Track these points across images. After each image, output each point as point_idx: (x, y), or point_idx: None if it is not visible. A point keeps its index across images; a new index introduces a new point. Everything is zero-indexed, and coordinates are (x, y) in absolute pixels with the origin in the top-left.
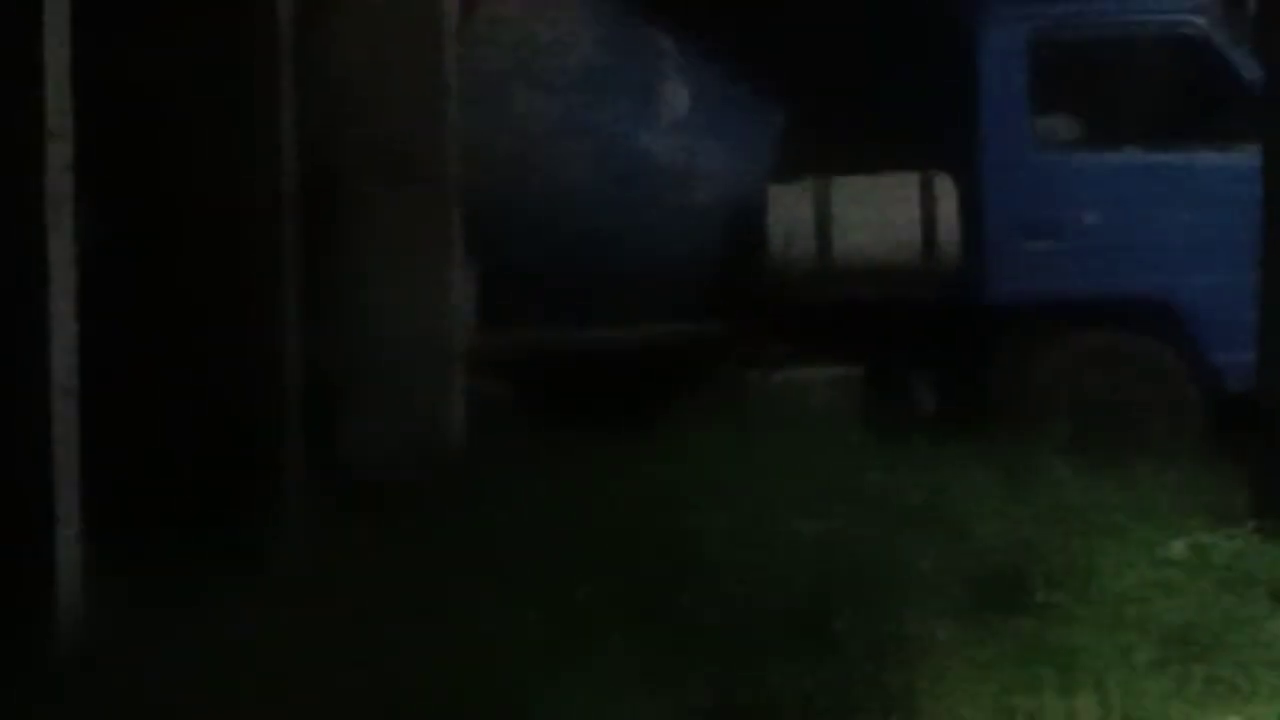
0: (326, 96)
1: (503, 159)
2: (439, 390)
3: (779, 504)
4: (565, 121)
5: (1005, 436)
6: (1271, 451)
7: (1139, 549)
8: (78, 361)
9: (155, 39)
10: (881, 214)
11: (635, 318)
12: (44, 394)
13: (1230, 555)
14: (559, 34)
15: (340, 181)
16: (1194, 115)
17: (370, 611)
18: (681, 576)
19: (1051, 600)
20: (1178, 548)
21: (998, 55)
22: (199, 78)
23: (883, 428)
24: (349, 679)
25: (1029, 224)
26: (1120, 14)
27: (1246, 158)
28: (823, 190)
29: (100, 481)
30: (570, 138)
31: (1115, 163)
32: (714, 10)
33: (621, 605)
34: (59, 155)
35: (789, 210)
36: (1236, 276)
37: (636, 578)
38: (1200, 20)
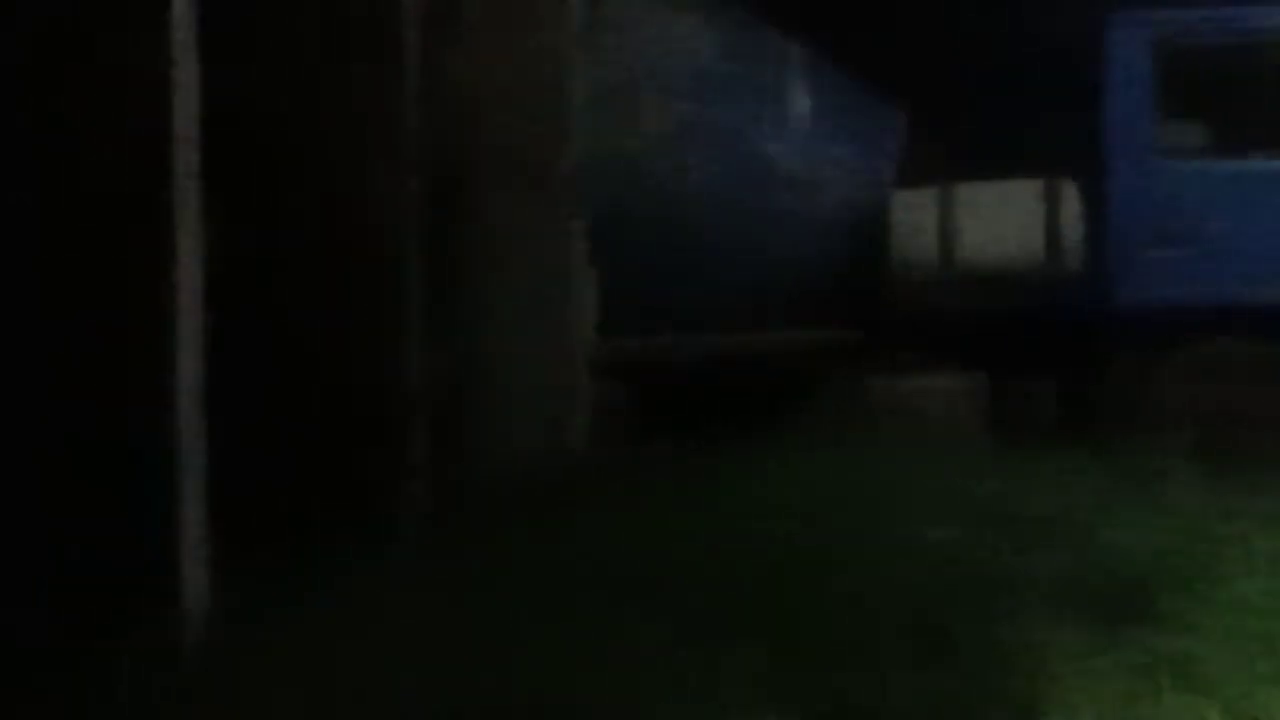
0: (451, 103)
1: (626, 165)
2: (562, 397)
3: (901, 512)
4: (689, 127)
5: (1128, 444)
6: None
7: (1263, 558)
8: (203, 365)
9: (280, 46)
10: (1006, 221)
11: (758, 325)
12: (170, 396)
13: None
14: (683, 39)
15: (464, 188)
16: None
17: (495, 616)
18: (803, 584)
19: (1174, 609)
20: None
21: (1125, 61)
22: (325, 86)
23: (1006, 435)
24: (472, 683)
25: (1154, 231)
26: (1247, 19)
27: None
28: (947, 197)
29: (227, 486)
30: (695, 144)
31: (1241, 169)
32: (839, 15)
33: (743, 613)
34: (186, 161)
35: (913, 217)
36: None
37: (758, 585)
38: None
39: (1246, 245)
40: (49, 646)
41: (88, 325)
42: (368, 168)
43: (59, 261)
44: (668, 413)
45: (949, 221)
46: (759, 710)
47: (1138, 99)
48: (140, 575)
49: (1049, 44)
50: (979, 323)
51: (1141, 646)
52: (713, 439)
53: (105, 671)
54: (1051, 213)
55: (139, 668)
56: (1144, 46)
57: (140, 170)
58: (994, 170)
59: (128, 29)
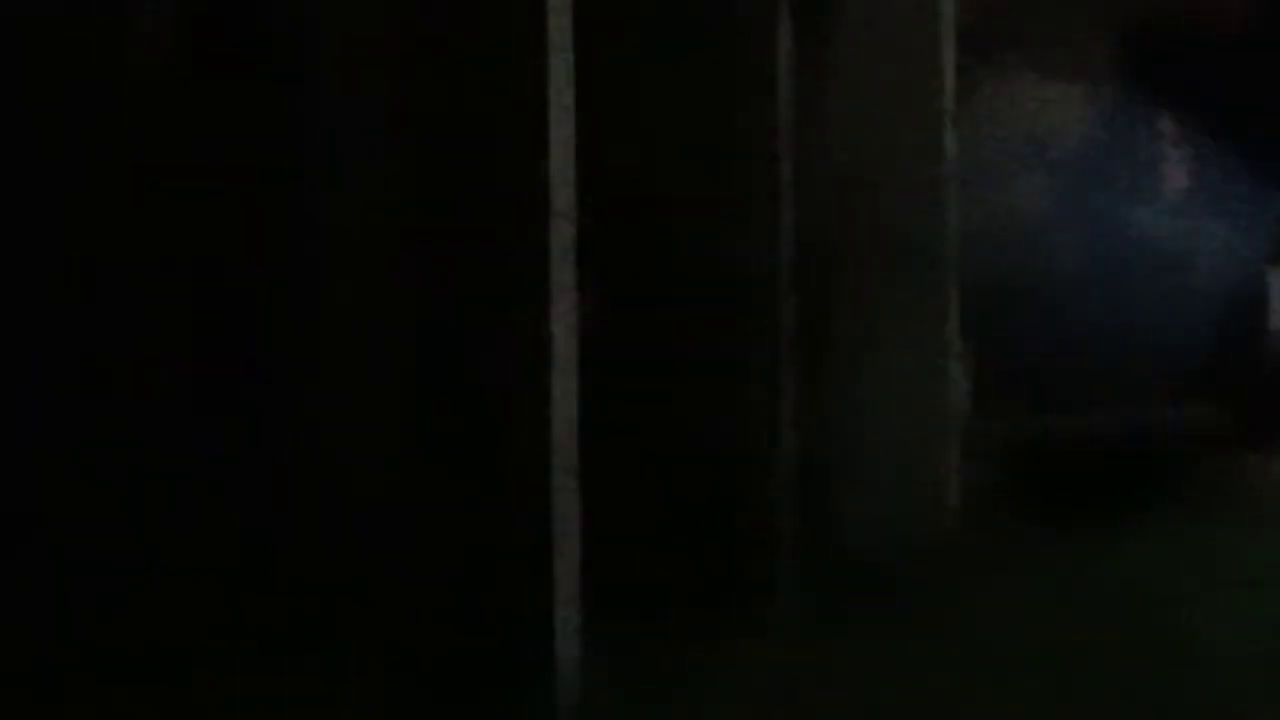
0: (825, 176)
1: (1001, 240)
2: (933, 475)
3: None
4: (1063, 202)
5: None
6: None
7: None
8: (577, 434)
9: (649, 113)
10: None
11: (1134, 402)
12: (545, 473)
13: None
14: (1060, 111)
15: (836, 257)
16: None
17: (865, 703)
18: (1175, 678)
19: None
20: None
21: None
22: (697, 157)
23: None
24: None
25: None
26: None
27: None
28: None
29: (594, 562)
30: (1069, 218)
31: None
32: (1215, 87)
33: (1117, 706)
34: (562, 236)
35: None
36: None
37: (1133, 677)
38: None
39: None
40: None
41: (469, 400)
42: (739, 243)
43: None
44: (1043, 495)
45: None
46: None
47: None
48: (513, 648)
49: None
50: None
51: None
52: (1086, 521)
53: None
54: None
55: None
56: None
57: (515, 244)
58: None
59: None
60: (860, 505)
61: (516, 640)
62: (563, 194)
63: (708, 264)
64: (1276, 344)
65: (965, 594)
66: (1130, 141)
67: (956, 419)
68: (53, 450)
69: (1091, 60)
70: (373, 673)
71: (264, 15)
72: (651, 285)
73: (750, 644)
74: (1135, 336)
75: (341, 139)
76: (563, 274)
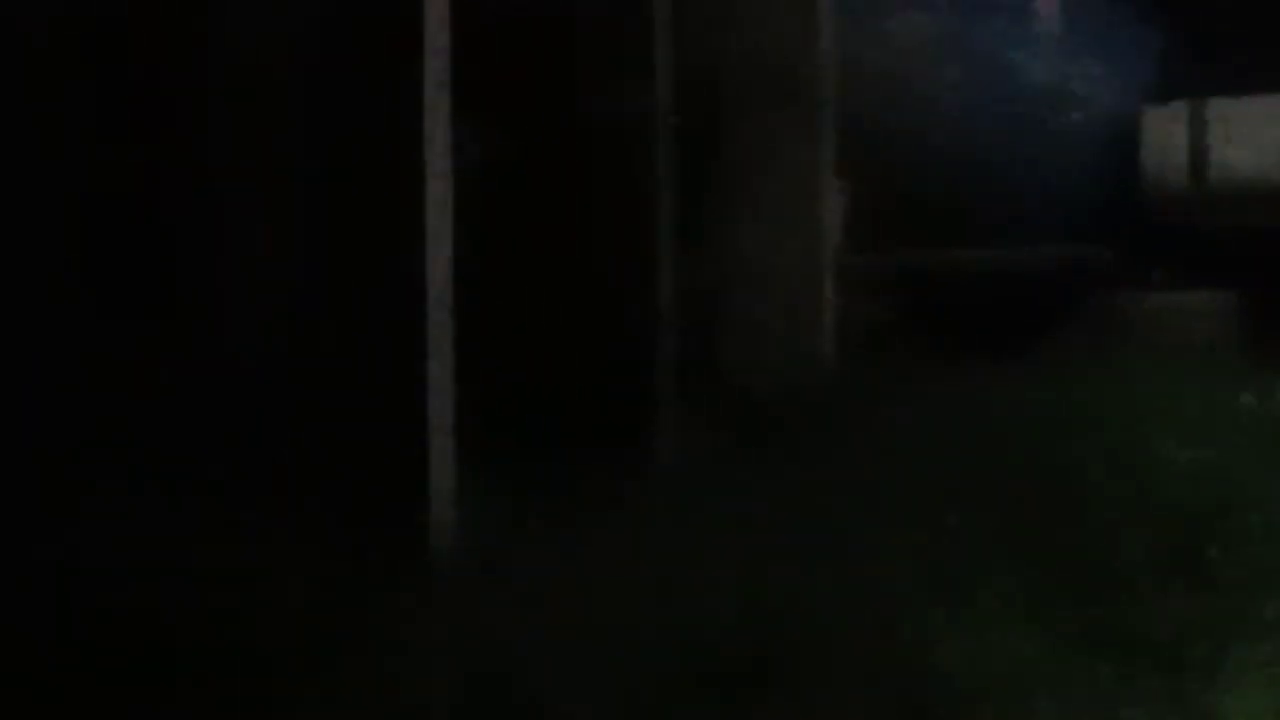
0: (701, 11)
1: (877, 77)
2: (809, 310)
3: (1155, 431)
4: (940, 39)
5: None
6: None
7: None
8: (452, 278)
9: None
10: (1258, 135)
11: (1007, 240)
12: (420, 306)
13: None
14: None
15: (713, 98)
16: None
17: (745, 530)
18: (1053, 504)
19: None
20: None
21: None
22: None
23: (1258, 354)
24: (720, 603)
25: None
26: None
27: None
28: (1198, 111)
29: (470, 396)
30: (945, 56)
31: None
32: None
33: (994, 532)
34: (436, 71)
35: (1164, 131)
36: None
37: (1009, 505)
38: None
39: None
40: (296, 549)
41: (339, 225)
42: (618, 74)
43: (311, 167)
44: (917, 328)
45: (1201, 136)
46: (1005, 628)
47: None
48: (390, 483)
49: None
50: (1232, 239)
51: None
52: (962, 357)
53: (352, 575)
54: None
55: (386, 572)
56: None
57: (390, 81)
58: (1247, 84)
59: None
60: (739, 341)
61: (390, 473)
62: (438, 35)
63: (585, 102)
64: (1149, 180)
65: (843, 428)
66: None
67: (833, 255)
68: None
69: None
70: (251, 507)
71: None
72: (528, 124)
73: (630, 481)
74: (1013, 175)
75: None
76: (437, 110)
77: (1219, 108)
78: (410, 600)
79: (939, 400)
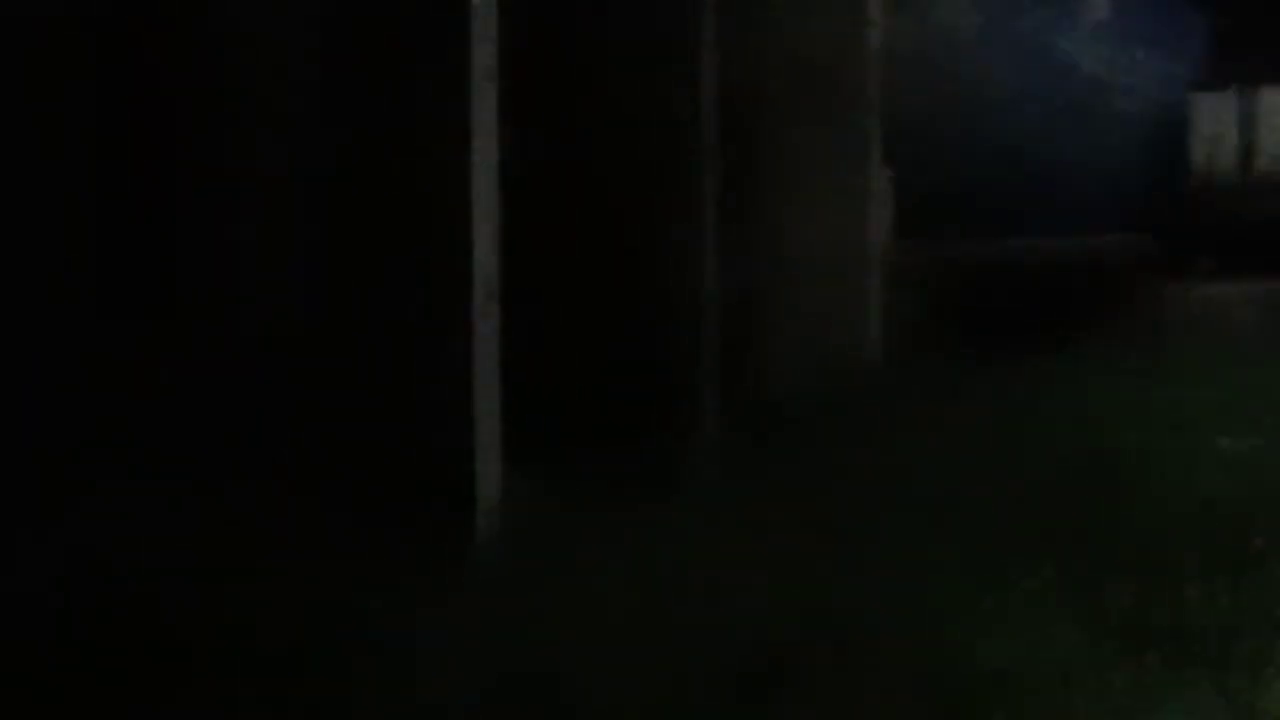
0: (749, 9)
1: (923, 71)
2: (856, 305)
3: (1199, 420)
4: (986, 32)
5: None
6: None
7: None
8: (499, 278)
9: None
10: None
11: (1055, 231)
12: (466, 308)
13: None
14: None
15: (759, 94)
16: None
17: (787, 526)
18: (1099, 493)
19: None
20: None
21: None
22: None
23: None
24: (766, 594)
25: None
26: None
27: None
28: (1248, 100)
29: (516, 400)
30: (991, 48)
31: None
32: None
33: (1038, 523)
34: (484, 58)
35: (1213, 121)
36: None
37: (1054, 495)
38: None
39: None
40: (344, 539)
41: (386, 222)
42: (664, 77)
43: (358, 164)
44: (963, 319)
45: (1250, 126)
46: (1051, 619)
47: None
48: (435, 468)
49: None
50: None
51: None
52: (1008, 347)
53: (397, 563)
54: None
55: (431, 560)
56: None
57: (435, 78)
58: None
59: None
60: (782, 339)
61: (438, 471)
62: (485, 19)
63: (628, 103)
64: (1199, 170)
65: (889, 420)
66: None
67: (879, 249)
68: None
69: None
70: (299, 506)
71: None
72: (574, 124)
73: (674, 476)
74: (1061, 166)
75: None
76: (484, 107)
77: (1269, 96)
78: (450, 596)
79: (984, 393)
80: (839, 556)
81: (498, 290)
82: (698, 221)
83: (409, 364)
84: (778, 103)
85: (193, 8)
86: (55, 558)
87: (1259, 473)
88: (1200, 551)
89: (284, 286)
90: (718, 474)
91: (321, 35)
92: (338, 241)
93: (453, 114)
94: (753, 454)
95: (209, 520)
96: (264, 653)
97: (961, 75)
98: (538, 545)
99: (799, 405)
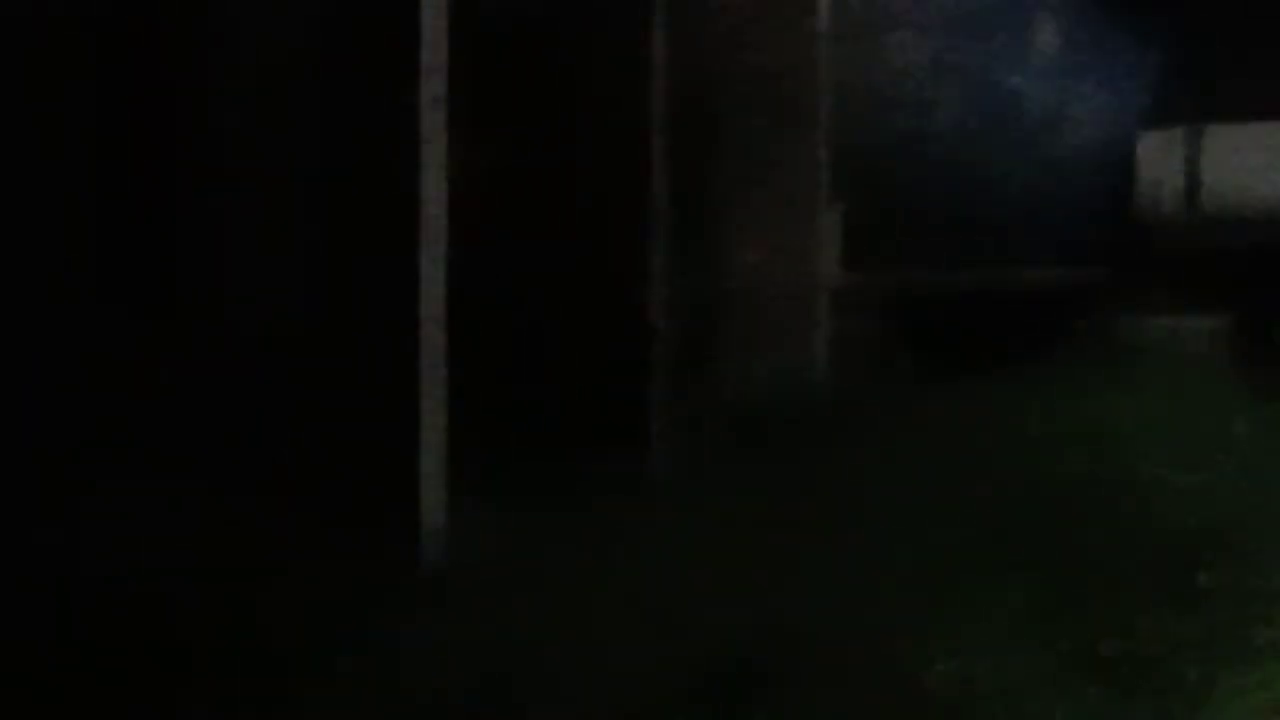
0: (699, 33)
1: (873, 98)
2: (803, 328)
3: (1149, 453)
4: (936, 61)
5: None
6: None
7: None
8: (445, 290)
9: None
10: (1253, 162)
11: (1003, 262)
12: (412, 321)
13: None
14: None
15: (709, 119)
16: None
17: (738, 545)
18: (1049, 524)
19: None
20: None
21: None
22: (573, 13)
23: (1255, 377)
24: (718, 612)
25: None
26: None
27: None
28: (1194, 137)
29: (467, 409)
30: (941, 78)
31: None
32: None
33: (988, 551)
34: (431, 88)
35: (1160, 156)
36: None
37: (1003, 523)
38: None
39: None
40: (293, 556)
41: (335, 240)
42: (614, 90)
43: (310, 180)
44: (911, 348)
45: (1196, 162)
46: (1002, 646)
47: None
48: (381, 492)
49: None
50: (1228, 263)
51: None
52: (957, 376)
53: (344, 584)
54: None
55: (378, 581)
56: None
57: (385, 97)
58: (1242, 112)
59: None
60: (733, 355)
61: (384, 488)
62: (431, 52)
63: (577, 119)
64: (1145, 204)
65: (835, 443)
66: (1003, 3)
67: (828, 274)
68: None
69: None
70: (244, 512)
71: None
72: (528, 141)
73: (624, 493)
74: (1008, 197)
75: None
76: (433, 125)
77: (1214, 134)
78: (399, 604)
79: (932, 418)
80: (790, 575)
81: (444, 304)
82: (648, 238)
83: (358, 384)
84: (728, 127)
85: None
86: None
87: (1206, 506)
88: (1148, 582)
89: (248, 293)
90: (668, 493)
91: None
92: (297, 251)
93: (403, 134)
94: (703, 473)
95: (164, 522)
96: (214, 656)
97: (912, 106)
98: (487, 554)
99: (748, 424)
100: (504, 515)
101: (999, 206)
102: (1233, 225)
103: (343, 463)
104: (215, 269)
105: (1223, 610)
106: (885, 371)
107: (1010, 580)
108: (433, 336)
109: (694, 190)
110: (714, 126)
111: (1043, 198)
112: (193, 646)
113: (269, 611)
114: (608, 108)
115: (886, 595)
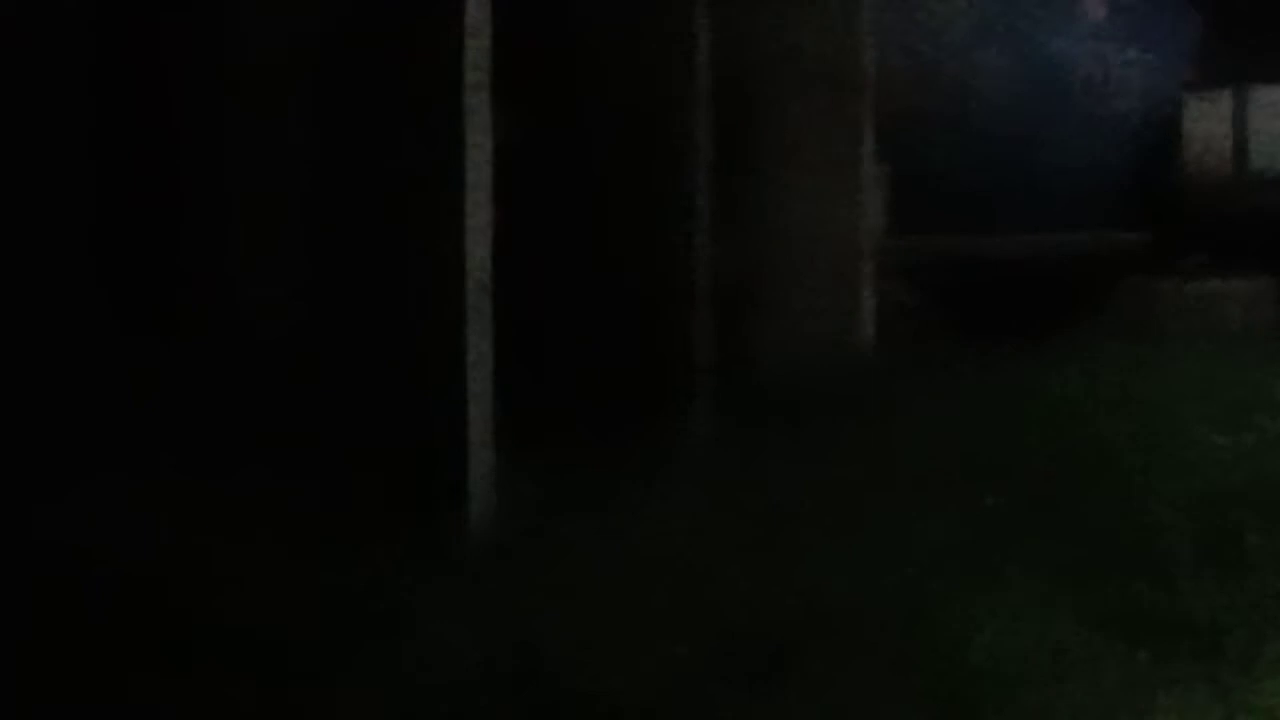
0: (741, 1)
1: (918, 64)
2: (847, 294)
3: (1190, 416)
4: (981, 27)
5: None
6: None
7: None
8: (491, 257)
9: None
10: None
11: (1047, 226)
12: (459, 288)
13: None
14: None
15: (754, 84)
16: None
17: (779, 514)
18: (1090, 488)
19: None
20: None
21: None
22: None
23: None
24: (758, 584)
25: None
26: None
27: None
28: (1240, 99)
29: (510, 381)
30: (986, 43)
31: None
32: None
33: (1029, 515)
34: (476, 51)
35: (1206, 119)
36: None
37: (1044, 488)
38: None
39: None
40: (337, 538)
41: (378, 217)
42: (658, 64)
43: (347, 157)
44: (955, 312)
45: (1242, 124)
46: (1042, 611)
47: None
48: (428, 467)
49: None
50: (1272, 226)
51: None
52: (999, 340)
53: (391, 564)
54: None
55: (425, 561)
56: None
57: (431, 66)
58: None
59: None
60: (774, 326)
61: (432, 455)
62: (476, 13)
63: (621, 86)
64: (1191, 167)
65: (877, 408)
66: None
67: (871, 239)
68: None
69: None
70: (295, 495)
71: None
72: (568, 116)
73: (665, 460)
74: (1053, 162)
75: None
76: (476, 93)
77: (1260, 95)
78: (446, 583)
79: (976, 383)
80: (832, 544)
81: (490, 283)
82: (691, 210)
83: (404, 357)
84: (772, 93)
85: (192, 10)
86: (55, 555)
87: (1250, 469)
88: (1193, 546)
89: (279, 281)
90: (711, 461)
91: (319, 35)
92: (330, 236)
93: (448, 111)
94: (746, 441)
95: (207, 514)
96: (264, 646)
97: (957, 72)
98: (531, 532)
99: (792, 392)
100: (549, 483)
101: (1044, 171)
102: (1277, 187)
103: (392, 433)
104: (261, 243)
105: (1270, 573)
106: (928, 335)
107: (1054, 544)
108: (479, 304)
109: (739, 158)
110: (760, 96)
111: (1089, 161)
112: (240, 622)
113: (310, 585)
114: (652, 77)
115: (927, 562)
